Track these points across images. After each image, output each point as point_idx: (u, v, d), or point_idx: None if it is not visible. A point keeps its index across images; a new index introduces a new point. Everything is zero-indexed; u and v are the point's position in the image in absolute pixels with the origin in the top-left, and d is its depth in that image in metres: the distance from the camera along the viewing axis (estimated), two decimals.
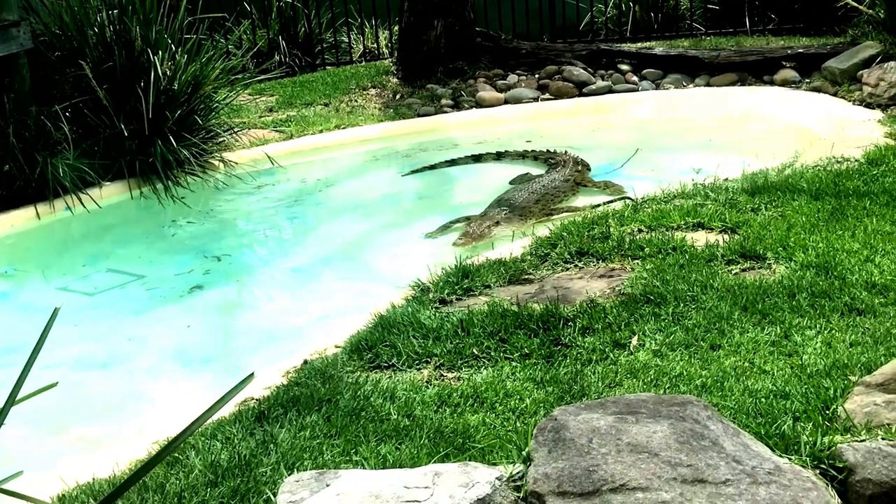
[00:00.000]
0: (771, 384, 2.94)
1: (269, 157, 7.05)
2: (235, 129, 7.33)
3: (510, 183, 6.30)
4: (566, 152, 6.65)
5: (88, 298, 5.08)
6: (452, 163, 7.01)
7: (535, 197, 5.63)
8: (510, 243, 4.80)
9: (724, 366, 3.11)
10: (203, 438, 2.91)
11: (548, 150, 6.82)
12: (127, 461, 2.93)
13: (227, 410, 3.13)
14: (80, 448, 3.44)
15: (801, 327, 3.32)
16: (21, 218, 6.08)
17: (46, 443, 3.56)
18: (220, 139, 7.16)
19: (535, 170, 6.56)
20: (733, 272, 3.87)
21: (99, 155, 6.48)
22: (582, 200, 5.76)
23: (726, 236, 4.27)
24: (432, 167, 6.96)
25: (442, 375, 3.27)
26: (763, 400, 2.85)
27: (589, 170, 6.43)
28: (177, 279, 5.25)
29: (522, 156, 6.96)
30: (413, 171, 6.95)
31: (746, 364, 3.12)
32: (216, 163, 6.93)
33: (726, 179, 5.15)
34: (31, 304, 5.13)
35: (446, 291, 3.92)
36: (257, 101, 8.55)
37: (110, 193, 6.46)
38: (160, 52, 6.63)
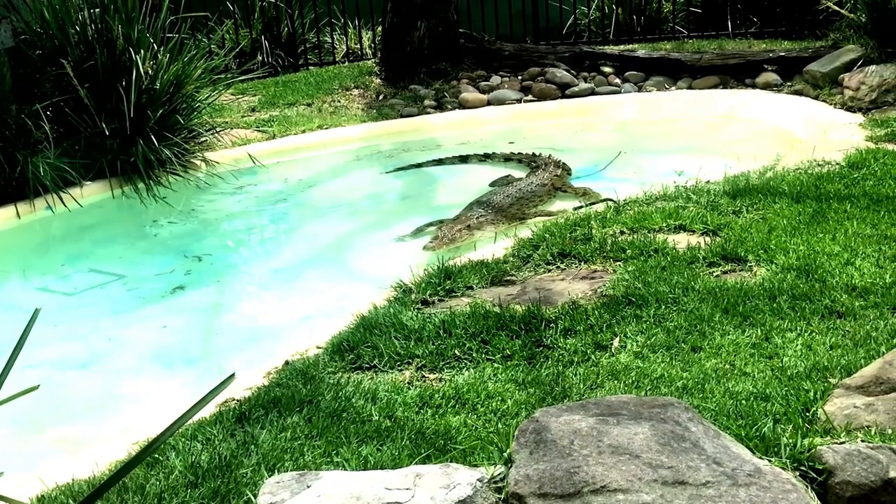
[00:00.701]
0: (751, 386, 2.96)
1: (251, 156, 7.02)
2: (217, 129, 7.30)
3: (490, 185, 6.31)
4: (549, 156, 6.66)
5: (69, 298, 5.04)
6: (439, 162, 7.02)
7: (509, 201, 5.61)
8: (493, 245, 4.80)
9: (705, 368, 3.12)
10: (183, 439, 2.89)
11: (532, 154, 6.82)
12: (107, 462, 2.91)
13: (207, 411, 3.11)
14: (60, 448, 3.41)
15: (782, 329, 3.34)
16: (1, 217, 6.02)
17: (26, 443, 3.53)
18: (202, 139, 7.13)
19: (520, 172, 6.58)
20: (714, 274, 3.88)
21: (80, 154, 6.44)
22: (560, 205, 5.77)
23: (708, 239, 4.29)
24: (418, 166, 6.97)
25: (424, 376, 3.27)
26: (743, 402, 2.86)
27: (569, 173, 6.44)
28: (158, 279, 5.22)
29: (508, 158, 6.98)
30: (398, 169, 6.97)
31: (727, 366, 3.13)
32: (198, 162, 6.90)
33: (708, 182, 5.17)
34: (11, 303, 5.08)
35: (428, 292, 3.92)
36: (240, 100, 8.52)
37: (91, 193, 6.41)
38: (142, 52, 6.60)
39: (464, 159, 7.03)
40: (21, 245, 5.99)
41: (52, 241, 6.16)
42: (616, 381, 3.09)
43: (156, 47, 6.76)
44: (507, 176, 6.46)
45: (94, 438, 3.44)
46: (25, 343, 1.63)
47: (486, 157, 7.05)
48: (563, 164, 6.48)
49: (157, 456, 2.79)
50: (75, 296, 5.07)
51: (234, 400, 3.20)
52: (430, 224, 5.53)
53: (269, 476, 2.54)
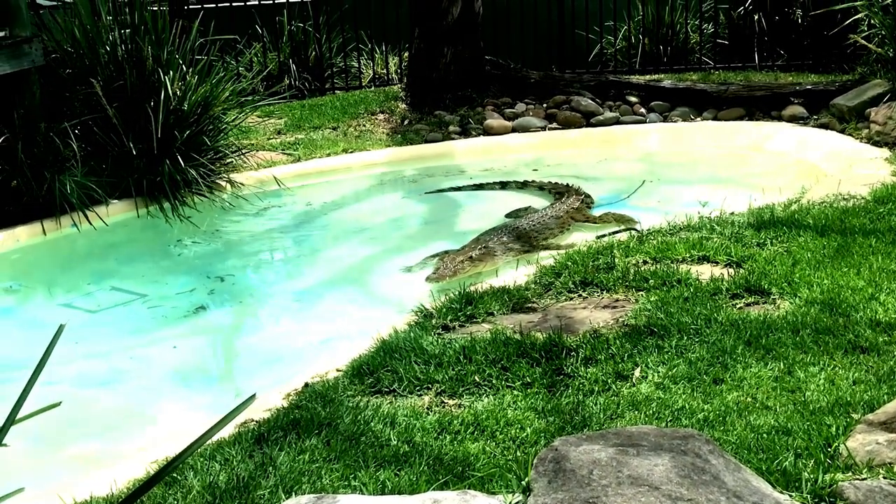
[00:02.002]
0: (773, 420, 2.94)
1: (276, 179, 7.09)
2: (243, 151, 7.38)
3: (505, 216, 6.27)
4: (571, 186, 6.61)
5: (92, 315, 5.10)
6: (479, 187, 7.06)
7: (517, 233, 5.54)
8: (514, 271, 4.81)
9: (727, 400, 3.11)
10: (202, 459, 2.91)
11: (565, 184, 6.74)
12: (125, 480, 2.93)
13: (226, 432, 3.13)
14: (79, 466, 3.44)
15: (805, 363, 3.32)
16: (27, 233, 6.11)
17: (46, 460, 3.56)
18: (228, 160, 7.21)
19: (546, 202, 6.55)
20: (738, 306, 3.87)
21: (107, 173, 6.53)
22: (578, 236, 5.71)
23: (731, 270, 4.27)
24: (458, 189, 7.06)
25: (443, 402, 3.27)
26: (765, 436, 2.84)
27: (590, 205, 6.37)
28: (180, 298, 5.26)
29: (541, 187, 6.90)
30: (439, 191, 7.08)
31: (749, 399, 3.11)
32: (223, 183, 6.98)
33: (732, 213, 5.16)
34: (35, 319, 5.15)
35: (449, 318, 3.93)
36: (266, 123, 8.61)
37: (117, 211, 6.50)
38: (171, 73, 6.70)
39: (504, 185, 7.04)
40: (46, 262, 6.07)
41: (76, 258, 6.24)
42: (636, 412, 3.07)
43: (184, 69, 6.87)
44: (528, 207, 6.44)
45: (113, 456, 3.46)
46: (48, 360, 1.66)
47: (523, 185, 7.00)
48: (585, 195, 6.43)
49: (175, 475, 2.80)
50: (98, 313, 5.12)
51: (253, 421, 3.22)
52: (436, 255, 5.44)
53: (287, 498, 2.55)
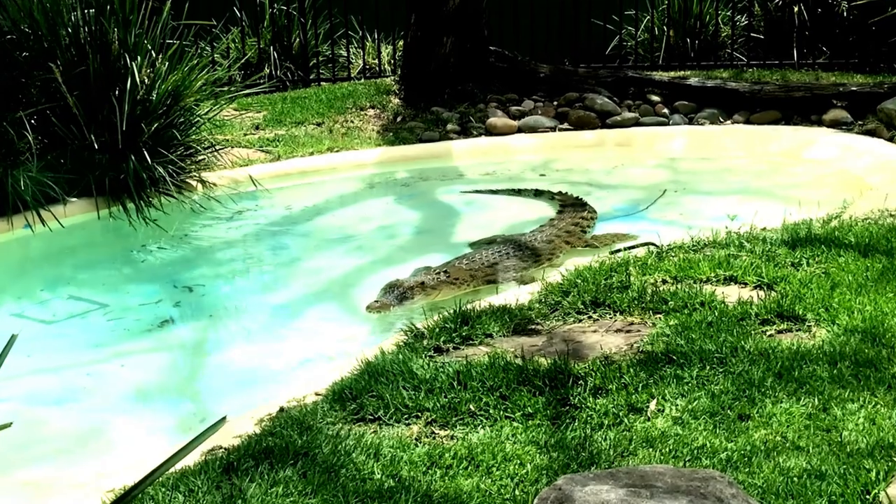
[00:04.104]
0: (805, 462, 2.95)
1: (252, 179, 7.11)
2: (217, 148, 7.41)
3: (469, 246, 6.06)
4: (591, 210, 6.44)
5: (46, 327, 5.11)
6: (517, 192, 7.11)
7: (485, 261, 5.42)
8: (517, 288, 4.82)
9: (754, 439, 3.11)
10: (164, 489, 2.92)
11: (576, 197, 6.70)
12: None
13: (191, 459, 3.13)
14: (28, 493, 3.44)
15: (842, 400, 3.33)
16: None
17: None
18: (200, 157, 7.23)
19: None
20: (768, 334, 3.88)
21: (65, 168, 6.55)
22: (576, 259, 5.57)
23: (762, 293, 4.29)
24: (494, 192, 7.18)
25: (433, 433, 3.28)
26: (795, 479, 2.85)
27: (589, 225, 6.19)
28: (144, 310, 5.28)
29: (572, 203, 6.66)
30: (476, 191, 7.26)
31: (778, 438, 3.12)
32: (194, 183, 7.00)
33: (764, 229, 5.18)
34: None
35: (442, 339, 3.94)
36: (243, 117, 8.65)
37: (75, 211, 6.51)
38: (139, 58, 6.74)
39: (538, 194, 7.03)
40: None
41: (30, 262, 6.25)
42: (651, 449, 3.08)
43: (154, 54, 6.90)
44: (495, 237, 6.16)
45: (66, 483, 3.46)
46: None
47: (555, 197, 6.85)
48: (581, 218, 6.23)
49: None
50: (53, 324, 5.14)
51: (221, 448, 3.23)
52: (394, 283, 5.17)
53: None
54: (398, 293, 5.01)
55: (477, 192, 7.28)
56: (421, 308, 4.85)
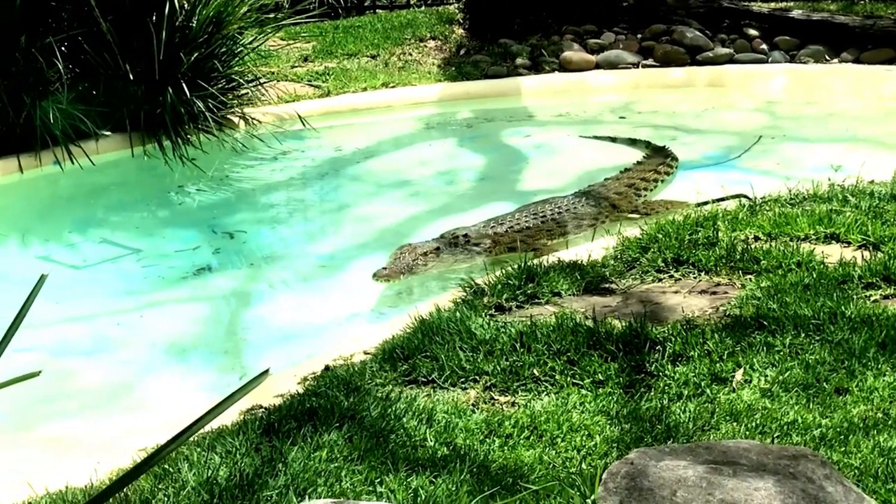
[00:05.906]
0: None
1: (300, 116, 7.14)
2: (262, 81, 7.45)
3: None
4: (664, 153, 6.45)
5: (75, 272, 5.22)
6: (633, 143, 6.96)
7: (513, 226, 5.33)
8: (589, 243, 4.78)
9: (852, 415, 3.07)
10: (199, 449, 2.97)
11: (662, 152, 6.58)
12: (107, 469, 3.02)
13: (229, 418, 3.19)
14: (53, 449, 3.54)
15: None
16: (0, 170, 6.25)
17: (13, 441, 3.67)
18: (243, 91, 7.28)
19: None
20: (872, 299, 3.81)
21: (98, 101, 6.64)
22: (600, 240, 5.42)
23: (867, 253, 4.21)
24: (613, 139, 7.08)
25: (493, 398, 3.29)
26: None
27: (645, 188, 6.06)
28: (180, 257, 5.36)
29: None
30: (596, 137, 7.15)
31: (880, 415, 3.08)
32: (236, 120, 7.05)
33: (872, 182, 5.09)
34: (5, 274, 5.28)
35: (505, 296, 3.94)
36: (290, 47, 8.67)
37: (108, 148, 6.61)
38: None
39: (657, 150, 6.71)
40: (22, 205, 6.22)
41: (58, 202, 6.37)
42: (735, 423, 3.06)
43: None
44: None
45: (93, 440, 3.56)
46: (23, 320, 1.70)
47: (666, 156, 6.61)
48: (637, 180, 6.11)
49: (166, 466, 2.87)
50: (83, 269, 5.25)
51: (261, 408, 3.28)
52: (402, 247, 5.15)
53: (299, 501, 2.60)
54: (407, 261, 4.92)
55: (595, 137, 7.16)
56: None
